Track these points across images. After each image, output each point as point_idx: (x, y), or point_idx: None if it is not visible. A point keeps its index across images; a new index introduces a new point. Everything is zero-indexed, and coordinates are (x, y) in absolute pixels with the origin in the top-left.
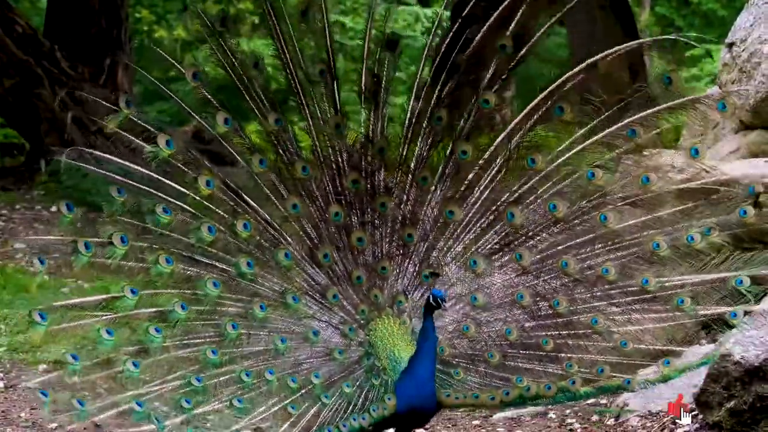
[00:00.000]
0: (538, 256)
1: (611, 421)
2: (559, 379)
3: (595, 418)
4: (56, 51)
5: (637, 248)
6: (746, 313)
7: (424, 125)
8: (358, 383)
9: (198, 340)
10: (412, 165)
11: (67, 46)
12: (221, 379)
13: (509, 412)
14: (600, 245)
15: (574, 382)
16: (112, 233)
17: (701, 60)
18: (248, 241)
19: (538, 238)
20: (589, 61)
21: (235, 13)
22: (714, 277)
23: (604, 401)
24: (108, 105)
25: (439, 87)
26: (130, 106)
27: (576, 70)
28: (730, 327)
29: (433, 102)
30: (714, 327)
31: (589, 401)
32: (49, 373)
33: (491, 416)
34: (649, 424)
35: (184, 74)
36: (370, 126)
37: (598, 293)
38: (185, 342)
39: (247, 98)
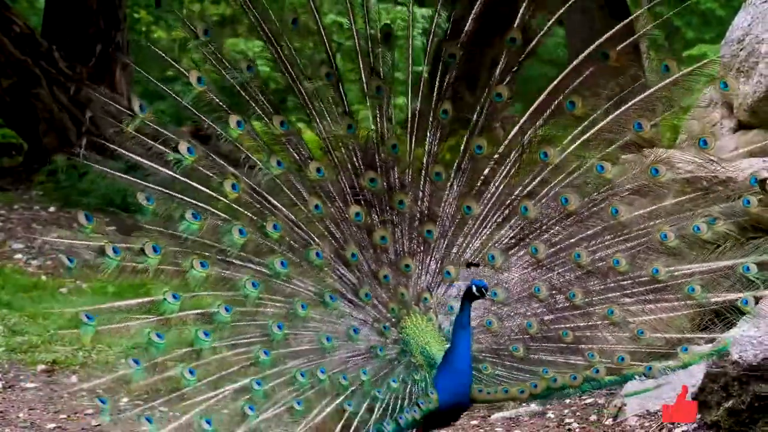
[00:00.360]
0: (551, 250)
1: (609, 421)
2: (584, 369)
3: (593, 417)
4: (54, 51)
5: (646, 239)
6: (757, 300)
7: (430, 119)
8: (401, 378)
9: (247, 341)
10: (425, 160)
11: (65, 46)
12: (279, 381)
13: (507, 412)
14: (610, 236)
15: (598, 371)
16: (144, 243)
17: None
18: (279, 242)
19: (552, 231)
20: (589, 50)
21: (231, 14)
22: (722, 265)
23: (602, 401)
24: (121, 108)
25: (438, 80)
26: (144, 111)
27: (580, 59)
28: (743, 314)
29: (435, 95)
30: (728, 315)
31: (588, 401)
32: (47, 373)
33: (489, 416)
34: (647, 424)
35: (188, 77)
36: (378, 123)
37: (611, 284)
38: (234, 343)
39: (250, 102)
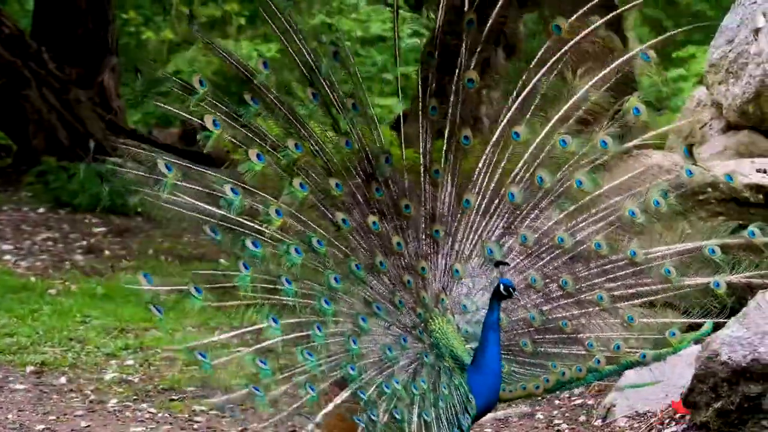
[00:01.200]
0: (536, 235)
1: (598, 422)
2: (586, 360)
3: (582, 418)
4: (43, 52)
5: (616, 217)
6: (729, 285)
7: (420, 118)
8: (446, 384)
9: (336, 359)
10: (421, 160)
11: (54, 48)
12: (373, 392)
13: (496, 413)
14: (583, 216)
15: (599, 361)
16: (235, 281)
17: (688, 60)
18: (326, 256)
19: (533, 215)
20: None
21: (222, 15)
22: (690, 247)
23: (591, 402)
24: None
25: (421, 79)
26: (218, 126)
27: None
28: (718, 298)
29: (420, 94)
30: (705, 300)
31: (577, 402)
32: (36, 374)
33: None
34: (636, 425)
35: (203, 123)
36: (358, 137)
37: (595, 269)
38: (330, 362)
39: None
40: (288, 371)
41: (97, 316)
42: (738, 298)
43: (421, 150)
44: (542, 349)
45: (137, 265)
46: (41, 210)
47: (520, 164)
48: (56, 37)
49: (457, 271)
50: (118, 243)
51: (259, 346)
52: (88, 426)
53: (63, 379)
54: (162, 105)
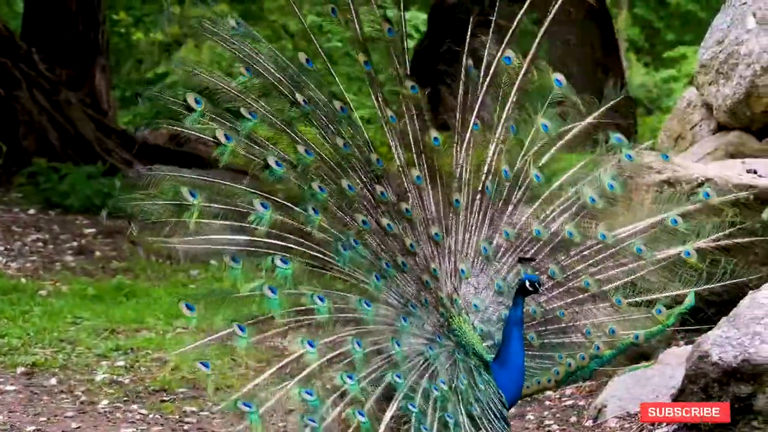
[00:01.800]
0: (515, 230)
1: (589, 423)
2: (587, 348)
3: (573, 419)
4: (34, 54)
5: (579, 205)
6: (698, 251)
7: (385, 128)
8: (479, 382)
9: (378, 371)
10: (398, 165)
11: (44, 49)
12: (420, 398)
13: None
14: (552, 207)
15: (598, 347)
16: (269, 311)
17: (679, 61)
18: (366, 256)
19: (508, 210)
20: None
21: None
22: (652, 221)
23: (582, 403)
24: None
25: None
26: (230, 140)
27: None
28: (696, 270)
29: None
30: (681, 270)
31: (568, 403)
32: (27, 375)
33: None
34: (627, 426)
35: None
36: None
37: (576, 257)
38: (372, 377)
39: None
40: (332, 398)
41: (88, 318)
42: (731, 299)
43: (395, 156)
44: (547, 341)
45: (128, 266)
46: (32, 211)
47: (488, 157)
48: (46, 39)
49: (463, 271)
50: (108, 244)
51: (301, 375)
52: (79, 427)
53: (54, 381)
54: (178, 127)
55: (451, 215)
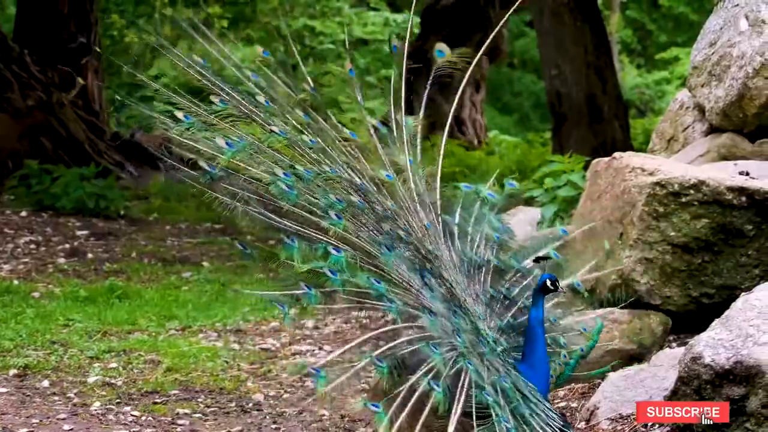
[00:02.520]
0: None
1: (582, 425)
2: (558, 356)
3: None
4: (26, 55)
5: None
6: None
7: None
8: (516, 382)
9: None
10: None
11: (36, 51)
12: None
13: None
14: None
15: (565, 356)
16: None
17: (672, 63)
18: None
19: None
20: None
21: (205, 17)
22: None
23: (575, 404)
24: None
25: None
26: (232, 147)
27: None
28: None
29: (404, 104)
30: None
31: (561, 405)
32: (19, 378)
33: None
34: (619, 428)
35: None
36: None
37: (512, 279)
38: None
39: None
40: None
41: (81, 319)
42: (723, 301)
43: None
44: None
45: (120, 267)
46: (24, 213)
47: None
48: (39, 41)
49: (464, 279)
50: (101, 246)
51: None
52: (71, 429)
53: (46, 383)
54: (183, 139)
55: (436, 226)
